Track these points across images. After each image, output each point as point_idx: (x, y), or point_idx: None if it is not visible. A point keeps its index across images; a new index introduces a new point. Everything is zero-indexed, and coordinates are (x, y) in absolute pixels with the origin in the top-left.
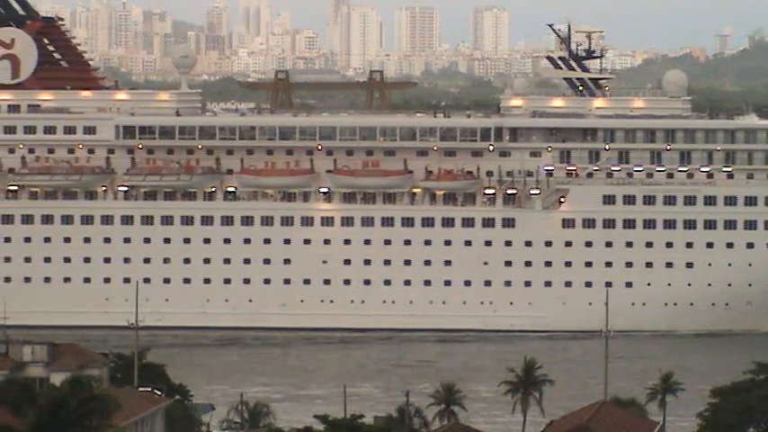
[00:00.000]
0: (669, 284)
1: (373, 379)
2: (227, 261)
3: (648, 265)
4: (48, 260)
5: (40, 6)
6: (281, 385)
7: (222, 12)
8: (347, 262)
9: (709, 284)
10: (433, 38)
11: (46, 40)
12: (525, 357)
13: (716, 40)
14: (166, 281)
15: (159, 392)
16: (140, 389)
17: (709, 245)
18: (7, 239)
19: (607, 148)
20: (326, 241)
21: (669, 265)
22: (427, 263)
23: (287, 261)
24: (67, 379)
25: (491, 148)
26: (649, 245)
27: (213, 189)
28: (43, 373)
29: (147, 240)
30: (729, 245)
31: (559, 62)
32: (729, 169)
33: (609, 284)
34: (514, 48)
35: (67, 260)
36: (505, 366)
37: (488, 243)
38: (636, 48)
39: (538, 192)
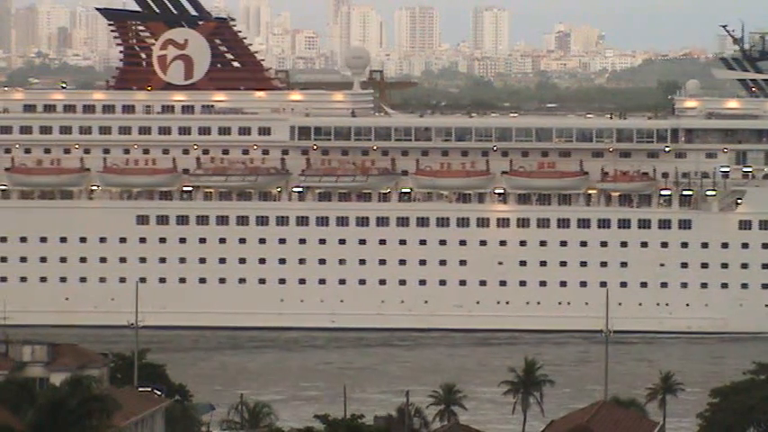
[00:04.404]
0: None
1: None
2: (402, 262)
3: None
4: (222, 261)
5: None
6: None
7: (222, 12)
8: (523, 263)
9: None
10: (433, 38)
11: (218, 41)
12: (526, 358)
13: (716, 40)
14: (341, 282)
15: (159, 392)
16: (140, 389)
17: None
18: (182, 240)
19: None
20: (502, 242)
21: None
22: (603, 264)
23: (462, 262)
24: (67, 379)
25: (667, 149)
26: None
27: (388, 190)
28: (43, 373)
29: (322, 242)
30: None
31: (733, 63)
32: None
33: None
34: (514, 48)
35: (242, 261)
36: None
37: (665, 244)
38: (636, 48)
39: (714, 193)
